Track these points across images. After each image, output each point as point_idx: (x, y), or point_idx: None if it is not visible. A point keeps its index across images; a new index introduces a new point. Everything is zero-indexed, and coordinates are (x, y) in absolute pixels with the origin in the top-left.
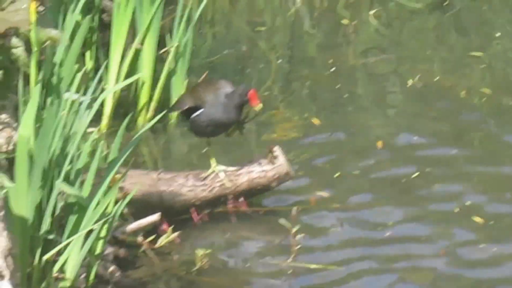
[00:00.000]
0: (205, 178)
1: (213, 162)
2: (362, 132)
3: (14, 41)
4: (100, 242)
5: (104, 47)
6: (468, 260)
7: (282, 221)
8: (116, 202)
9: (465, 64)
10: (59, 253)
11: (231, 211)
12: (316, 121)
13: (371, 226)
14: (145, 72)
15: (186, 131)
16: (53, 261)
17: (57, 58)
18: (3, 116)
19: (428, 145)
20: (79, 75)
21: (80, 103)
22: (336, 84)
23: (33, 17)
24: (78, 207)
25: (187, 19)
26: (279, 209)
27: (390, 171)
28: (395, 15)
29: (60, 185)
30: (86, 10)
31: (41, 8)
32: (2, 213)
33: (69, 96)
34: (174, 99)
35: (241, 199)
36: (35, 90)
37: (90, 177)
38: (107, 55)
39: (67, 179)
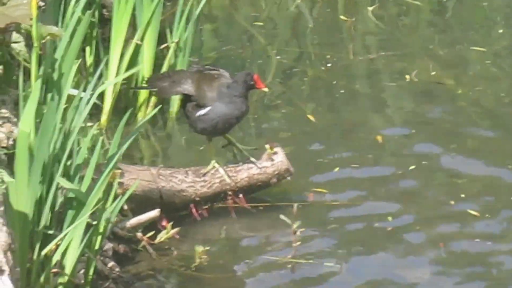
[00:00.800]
0: (204, 174)
1: (213, 158)
2: (360, 128)
3: (15, 36)
4: (99, 238)
5: (104, 43)
6: (466, 252)
7: (283, 217)
8: (116, 197)
9: (466, 60)
10: (58, 248)
11: (231, 207)
12: (314, 117)
13: (371, 221)
14: (145, 67)
15: (186, 127)
16: (52, 256)
17: (57, 54)
18: (3, 111)
19: (424, 139)
20: (77, 68)
21: (80, 98)
22: (335, 80)
23: (34, 12)
24: (77, 202)
25: (187, 15)
26: (279, 205)
27: (388, 166)
28: (394, 11)
29: (59, 180)
30: (86, 6)
31: (41, 3)
32: (2, 208)
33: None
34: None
35: (241, 195)
36: (36, 85)
37: (89, 172)
38: (107, 50)
39: (66, 174)
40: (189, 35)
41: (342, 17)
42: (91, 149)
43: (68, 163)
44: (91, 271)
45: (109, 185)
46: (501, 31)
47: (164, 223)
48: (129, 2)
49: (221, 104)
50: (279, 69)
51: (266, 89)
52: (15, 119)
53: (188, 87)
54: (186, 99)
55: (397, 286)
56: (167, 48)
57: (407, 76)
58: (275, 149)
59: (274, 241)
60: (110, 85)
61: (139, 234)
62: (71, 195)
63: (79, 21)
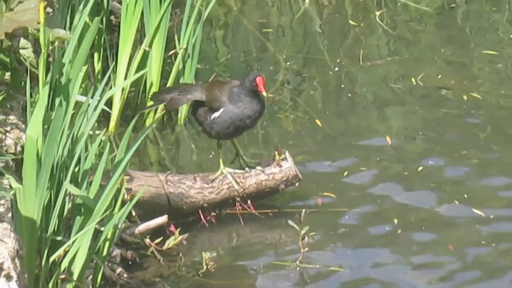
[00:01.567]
0: (213, 181)
1: (221, 164)
2: (368, 132)
3: (23, 42)
4: (107, 244)
5: (112, 49)
6: (477, 255)
7: (291, 222)
8: (123, 203)
9: (475, 65)
10: (66, 255)
11: (239, 213)
12: (322, 122)
13: (379, 226)
14: (153, 73)
15: (194, 133)
16: (60, 263)
17: (65, 59)
18: (11, 117)
19: (431, 143)
20: (85, 75)
21: (88, 105)
22: (343, 85)
23: (42, 17)
24: (85, 208)
25: (195, 21)
26: (287, 211)
27: (396, 170)
28: (403, 16)
29: (67, 186)
30: (94, 11)
31: (49, 9)
32: (10, 214)
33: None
34: None
35: (249, 201)
36: (43, 92)
37: (97, 178)
38: (115, 57)
39: (74, 181)
40: (197, 41)
41: (350, 22)
42: (99, 155)
43: (76, 169)
44: (99, 277)
45: (117, 191)
46: (510, 36)
47: (172, 229)
48: (137, 9)
49: (232, 105)
50: (287, 74)
51: (264, 94)
52: (23, 125)
53: (198, 93)
54: (196, 105)
55: None
56: (175, 54)
57: (415, 81)
58: (284, 155)
59: (282, 247)
60: (117, 90)
61: (147, 240)
62: (79, 201)
63: (86, 25)
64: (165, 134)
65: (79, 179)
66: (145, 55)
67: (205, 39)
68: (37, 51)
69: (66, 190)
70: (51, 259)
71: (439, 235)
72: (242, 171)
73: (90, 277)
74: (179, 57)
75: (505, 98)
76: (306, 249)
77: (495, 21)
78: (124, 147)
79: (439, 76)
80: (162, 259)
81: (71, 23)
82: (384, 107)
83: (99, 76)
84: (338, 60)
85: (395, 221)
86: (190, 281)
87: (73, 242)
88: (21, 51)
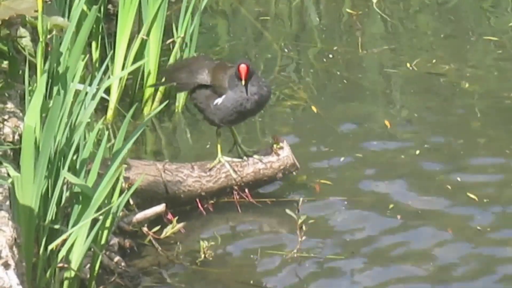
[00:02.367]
0: (210, 169)
1: (219, 153)
2: (364, 119)
3: (21, 30)
4: (105, 232)
5: (110, 38)
6: (476, 239)
7: (288, 211)
8: (121, 192)
9: (473, 52)
10: (65, 243)
11: (237, 201)
12: (319, 109)
13: (377, 213)
14: (151, 62)
15: (192, 122)
16: (58, 251)
17: (63, 48)
18: (9, 105)
19: (428, 128)
20: (83, 63)
21: (86, 93)
22: (339, 72)
23: (40, 5)
24: (83, 197)
25: (192, 9)
26: (284, 200)
27: (394, 155)
28: (400, 3)
29: (65, 174)
30: (92, 0)
31: None
32: (8, 202)
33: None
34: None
35: (246, 190)
36: (41, 80)
37: (95, 166)
38: (113, 45)
39: (72, 169)
40: (194, 29)
41: (347, 10)
42: (97, 144)
43: (74, 157)
44: (97, 266)
45: (115, 180)
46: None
47: (169, 217)
48: None
49: (231, 92)
50: (284, 63)
51: (243, 82)
52: (21, 114)
53: (204, 77)
54: (198, 89)
55: (403, 280)
56: (173, 43)
57: (412, 67)
58: (281, 144)
59: (280, 235)
60: (116, 80)
61: (144, 229)
62: (77, 189)
63: (83, 14)
64: (163, 122)
65: (77, 168)
66: (143, 44)
67: (203, 27)
68: (35, 40)
69: (64, 178)
70: (49, 247)
71: (440, 221)
72: (240, 159)
73: (88, 265)
74: (177, 46)
75: (500, 82)
76: (304, 237)
77: (495, 6)
78: (122, 136)
79: (437, 62)
80: (159, 247)
81: (69, 12)
82: (381, 94)
83: (97, 65)
84: (335, 48)
85: (392, 206)
86: (188, 269)
87: (71, 231)
88: (19, 39)
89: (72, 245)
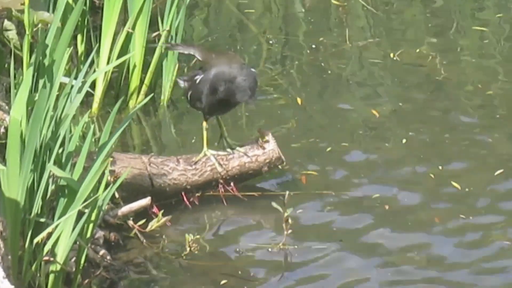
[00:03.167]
0: (196, 162)
1: (205, 146)
2: (349, 111)
3: (6, 23)
4: (91, 226)
5: (95, 31)
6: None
7: (274, 204)
8: (107, 185)
9: (459, 42)
10: (50, 237)
11: (222, 195)
12: (304, 101)
13: (363, 204)
14: (136, 55)
15: (177, 115)
16: (44, 244)
17: (49, 41)
18: None
19: (413, 119)
20: (69, 56)
21: (72, 86)
22: (325, 64)
23: None
24: (69, 190)
25: (178, 2)
26: (271, 193)
27: (379, 147)
28: None
29: (51, 167)
30: None
31: None
32: None
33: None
34: (165, 82)
35: (232, 183)
36: (27, 73)
37: (81, 160)
38: (98, 38)
39: (58, 162)
40: (180, 22)
41: (334, 1)
42: (83, 137)
43: (60, 151)
44: (82, 259)
45: (101, 173)
46: (500, 14)
47: (155, 211)
48: None
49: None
50: (270, 55)
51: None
52: (6, 107)
53: (196, 51)
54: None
55: (391, 272)
56: (159, 36)
57: (396, 58)
58: (267, 138)
59: (266, 228)
60: (102, 73)
61: (130, 222)
62: (62, 183)
63: (69, 7)
64: (148, 116)
65: (63, 161)
66: (128, 37)
67: (188, 20)
68: (21, 33)
69: (50, 172)
70: (35, 240)
71: (428, 213)
72: (225, 153)
73: (74, 259)
74: (162, 38)
75: (484, 73)
76: (290, 230)
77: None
78: (108, 129)
79: (423, 54)
80: (145, 241)
81: (54, 4)
82: (366, 85)
83: (82, 58)
84: (320, 39)
85: (379, 196)
86: (174, 262)
87: (57, 224)
88: (5, 32)
89: (57, 239)
